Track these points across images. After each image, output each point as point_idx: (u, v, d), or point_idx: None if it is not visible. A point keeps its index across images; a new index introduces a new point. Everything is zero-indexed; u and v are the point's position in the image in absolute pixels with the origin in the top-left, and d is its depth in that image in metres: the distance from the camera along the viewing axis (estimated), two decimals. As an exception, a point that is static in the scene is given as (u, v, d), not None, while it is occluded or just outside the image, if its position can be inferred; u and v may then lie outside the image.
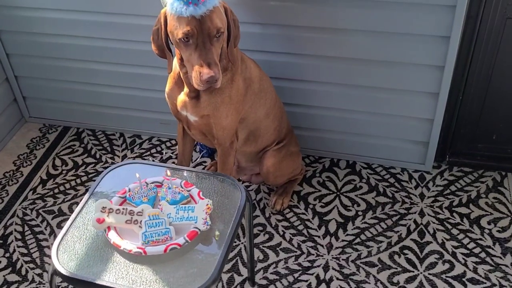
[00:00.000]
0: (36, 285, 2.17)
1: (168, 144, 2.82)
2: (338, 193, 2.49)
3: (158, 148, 2.79)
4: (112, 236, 1.58)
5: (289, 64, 2.40)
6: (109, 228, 1.60)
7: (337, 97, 2.46)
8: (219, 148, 2.09)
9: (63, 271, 1.52)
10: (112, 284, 1.47)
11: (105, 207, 1.62)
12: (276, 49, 2.37)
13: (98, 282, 1.48)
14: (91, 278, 1.49)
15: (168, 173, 1.73)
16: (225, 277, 2.16)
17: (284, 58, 2.39)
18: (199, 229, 1.58)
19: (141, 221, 1.60)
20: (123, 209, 1.62)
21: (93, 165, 2.71)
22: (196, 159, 2.69)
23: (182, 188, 1.72)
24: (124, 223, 1.60)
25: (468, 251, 2.20)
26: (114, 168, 1.86)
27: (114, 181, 1.81)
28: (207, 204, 1.63)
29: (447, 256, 2.19)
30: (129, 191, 1.72)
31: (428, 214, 2.36)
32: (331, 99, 2.47)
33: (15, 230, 2.40)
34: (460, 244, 2.23)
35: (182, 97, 2.00)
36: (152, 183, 1.75)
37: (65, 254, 1.57)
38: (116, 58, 2.61)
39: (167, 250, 1.53)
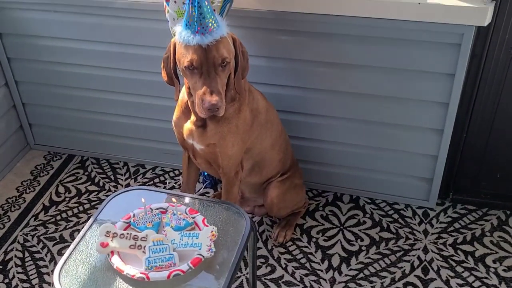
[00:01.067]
0: (34, 312, 2.14)
1: (171, 174, 2.82)
2: (342, 227, 2.48)
3: (162, 178, 2.79)
4: (116, 261, 1.56)
5: (296, 97, 2.43)
6: (112, 252, 1.59)
7: (342, 131, 2.47)
8: (224, 178, 2.10)
9: (64, 295, 1.50)
10: (114, 309, 1.45)
11: (109, 231, 1.61)
12: (283, 83, 2.40)
13: (100, 306, 1.46)
14: (92, 303, 1.47)
15: (174, 199, 1.72)
16: (226, 309, 2.12)
17: (291, 92, 2.42)
18: (203, 256, 1.57)
19: (145, 246, 1.58)
20: (127, 233, 1.61)
21: (96, 193, 2.71)
22: (199, 189, 2.68)
23: (187, 214, 1.72)
24: (128, 248, 1.59)
25: (473, 289, 2.18)
26: (119, 194, 1.85)
27: (118, 207, 1.80)
28: (212, 231, 1.62)
29: (452, 294, 2.16)
30: (133, 216, 1.71)
31: (432, 251, 2.34)
32: (336, 133, 2.49)
33: (15, 256, 2.37)
34: (465, 282, 2.21)
35: (188, 125, 2.02)
36: (157, 209, 1.74)
37: (67, 278, 1.55)
38: (123, 87, 2.65)
39: (171, 276, 1.51)
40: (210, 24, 1.72)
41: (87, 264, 1.60)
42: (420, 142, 2.40)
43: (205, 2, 1.71)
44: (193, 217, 1.71)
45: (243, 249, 1.64)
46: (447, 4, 2.01)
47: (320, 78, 2.34)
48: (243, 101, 1.99)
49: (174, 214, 1.70)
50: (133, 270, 1.53)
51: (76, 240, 1.68)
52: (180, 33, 1.77)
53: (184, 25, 1.75)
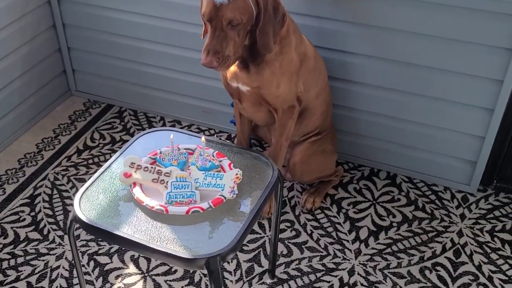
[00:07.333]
0: (56, 245, 2.15)
1: (206, 133, 2.78)
2: (374, 202, 2.39)
3: (196, 136, 2.76)
4: (137, 192, 1.54)
5: (337, 61, 2.33)
6: (134, 184, 1.57)
7: (385, 102, 2.37)
8: (278, 112, 2.03)
9: (83, 217, 1.48)
10: (129, 236, 1.43)
11: (134, 163, 1.59)
12: (326, 45, 2.31)
13: (116, 232, 1.44)
14: (109, 228, 1.45)
15: (203, 139, 1.68)
16: (245, 266, 2.08)
17: (332, 55, 2.32)
18: (225, 197, 1.52)
19: (167, 181, 1.55)
20: (152, 167, 1.59)
21: (130, 142, 2.70)
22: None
23: (214, 157, 1.68)
24: (151, 181, 1.57)
25: (507, 278, 2.05)
26: (149, 132, 1.83)
27: (147, 144, 1.78)
28: (237, 174, 1.57)
29: (483, 279, 2.04)
30: (160, 153, 1.68)
31: (467, 235, 2.23)
32: (378, 104, 2.38)
33: (44, 192, 2.39)
34: (498, 269, 2.09)
35: (232, 67, 1.97)
36: (185, 149, 1.71)
37: (87, 203, 1.54)
38: (168, 38, 2.61)
39: (189, 212, 1.48)
40: None
41: (109, 193, 1.58)
42: (468, 120, 2.27)
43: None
44: (220, 161, 1.67)
45: (267, 196, 1.58)
46: (513, -31, 1.88)
47: (366, 42, 2.24)
48: (286, 43, 1.92)
49: (201, 155, 1.66)
50: (153, 202, 1.51)
51: (101, 169, 1.66)
52: None
53: None
